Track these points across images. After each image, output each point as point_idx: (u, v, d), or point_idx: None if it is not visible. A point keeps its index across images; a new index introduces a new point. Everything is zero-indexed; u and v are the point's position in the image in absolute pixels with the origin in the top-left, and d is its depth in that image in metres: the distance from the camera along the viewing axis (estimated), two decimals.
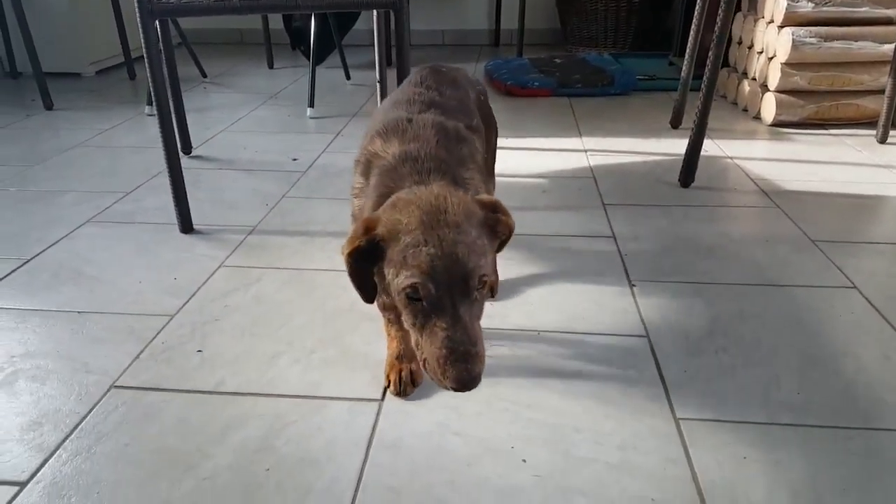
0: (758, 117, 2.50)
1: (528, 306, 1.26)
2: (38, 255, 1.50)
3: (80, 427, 0.97)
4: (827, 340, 1.16)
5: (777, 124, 2.41)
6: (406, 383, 1.03)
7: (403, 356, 1.05)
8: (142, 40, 1.46)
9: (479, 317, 0.78)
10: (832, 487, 0.85)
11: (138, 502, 0.84)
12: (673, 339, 1.17)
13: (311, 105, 2.64)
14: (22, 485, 0.87)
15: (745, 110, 2.61)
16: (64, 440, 0.95)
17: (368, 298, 0.86)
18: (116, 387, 1.06)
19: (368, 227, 0.79)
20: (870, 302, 1.28)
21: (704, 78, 1.75)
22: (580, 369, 1.08)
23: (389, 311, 1.00)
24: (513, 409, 1.00)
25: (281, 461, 0.91)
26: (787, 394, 1.03)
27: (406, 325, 0.79)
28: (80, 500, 0.85)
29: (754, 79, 2.54)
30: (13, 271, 1.43)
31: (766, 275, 1.39)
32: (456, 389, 0.73)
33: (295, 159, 2.14)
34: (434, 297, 0.74)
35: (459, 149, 0.95)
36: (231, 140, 2.36)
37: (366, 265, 0.81)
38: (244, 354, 1.14)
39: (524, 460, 0.90)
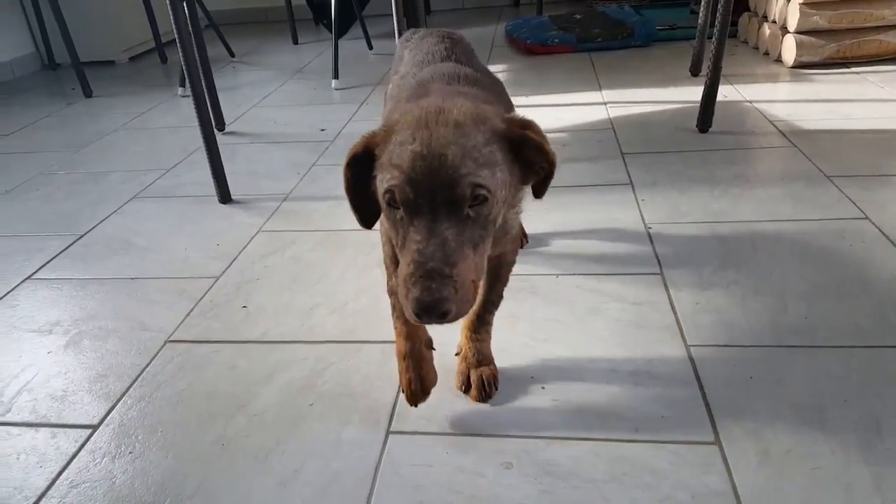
0: (779, 60, 2.48)
1: (546, 250, 1.32)
2: (91, 229, 1.62)
3: (140, 377, 1.08)
4: (836, 268, 1.21)
5: (798, 66, 2.38)
6: (416, 394, 0.90)
7: (410, 355, 0.90)
8: (172, 23, 1.55)
9: (475, 243, 0.65)
10: (833, 400, 0.91)
11: (198, 437, 0.95)
12: (686, 275, 1.22)
13: (336, 77, 2.71)
14: (94, 427, 0.98)
15: (766, 54, 2.58)
16: (128, 388, 1.06)
17: (364, 221, 0.77)
18: (171, 341, 1.16)
19: (370, 139, 0.71)
20: (880, 230, 1.31)
21: (716, 21, 1.75)
22: (595, 306, 1.14)
23: (396, 296, 0.89)
24: (531, 344, 1.07)
25: (322, 397, 1.00)
26: (794, 319, 1.08)
27: (393, 240, 0.69)
28: (146, 438, 0.95)
29: (774, 21, 2.50)
30: (70, 245, 1.55)
31: (779, 211, 1.42)
32: (417, 315, 0.61)
33: (323, 129, 2.22)
34: (412, 204, 0.63)
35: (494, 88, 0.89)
36: (261, 115, 2.44)
37: (366, 182, 0.71)
38: (284, 308, 1.23)
39: (543, 387, 0.97)
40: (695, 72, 2.41)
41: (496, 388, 0.97)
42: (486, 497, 0.81)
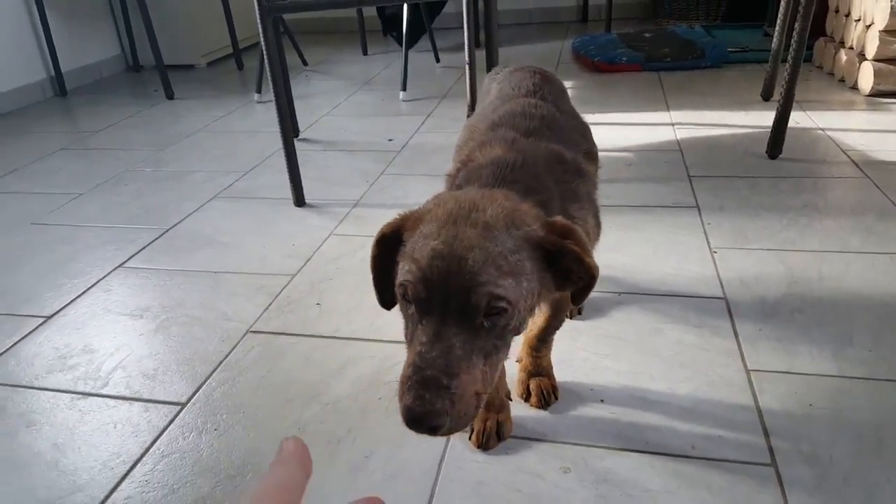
0: (855, 87, 2.43)
1: (609, 271, 1.36)
2: (175, 225, 1.74)
3: (224, 362, 1.17)
4: None
5: (875, 94, 2.34)
6: (490, 436, 0.92)
7: (492, 405, 0.94)
8: (260, 35, 1.65)
9: (487, 352, 0.60)
10: (893, 432, 0.92)
11: (276, 420, 1.02)
12: (750, 301, 1.23)
13: (404, 88, 2.80)
14: (182, 405, 1.08)
15: (842, 80, 2.54)
16: (212, 372, 1.15)
17: (383, 302, 0.74)
18: (252, 331, 1.25)
19: (397, 226, 0.68)
20: None
21: (792, 46, 1.75)
22: (658, 327, 1.17)
23: None
24: (593, 358, 1.11)
25: (389, 391, 1.06)
26: (859, 350, 1.08)
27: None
28: (229, 417, 1.04)
29: (851, 48, 2.46)
30: (157, 238, 1.67)
31: (848, 242, 1.42)
32: (405, 423, 0.57)
33: (391, 140, 2.30)
34: (424, 303, 0.59)
35: (575, 183, 0.80)
36: (332, 123, 2.55)
37: (391, 262, 0.67)
38: (355, 307, 1.30)
39: (602, 400, 1.01)
40: (766, 96, 2.39)
41: (556, 398, 1.01)
42: (544, 497, 0.85)
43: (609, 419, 0.97)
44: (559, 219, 0.66)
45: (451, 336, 0.57)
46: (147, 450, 0.99)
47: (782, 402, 0.98)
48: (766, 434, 0.93)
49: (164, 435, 1.01)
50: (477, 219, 0.61)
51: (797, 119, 2.13)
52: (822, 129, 2.09)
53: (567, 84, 2.87)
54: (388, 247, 0.68)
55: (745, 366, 1.07)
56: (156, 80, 3.20)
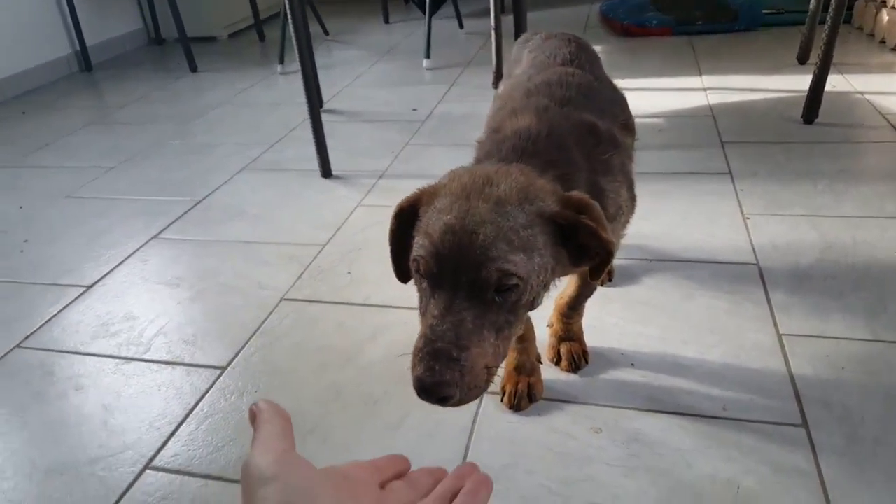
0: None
1: (640, 238, 1.35)
2: (206, 196, 1.76)
3: (260, 329, 1.20)
4: None
5: None
6: (521, 397, 0.95)
7: (522, 368, 0.97)
8: (286, 4, 1.65)
9: (498, 327, 0.60)
10: None
11: (314, 382, 1.06)
12: (783, 266, 1.23)
13: (428, 56, 2.78)
14: (223, 369, 1.11)
15: (883, 42, 2.45)
16: (249, 338, 1.18)
17: (400, 275, 0.75)
18: (286, 299, 1.28)
19: (414, 199, 0.68)
20: None
21: (830, 7, 1.70)
22: (689, 293, 1.17)
23: None
24: (623, 324, 1.12)
25: None
26: (893, 315, 1.08)
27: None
28: (268, 380, 1.08)
29: (894, 7, 2.38)
30: (189, 210, 1.70)
31: (885, 208, 1.39)
32: (416, 392, 0.58)
33: (415, 109, 2.30)
34: (435, 277, 0.60)
35: (607, 156, 0.79)
36: (356, 94, 2.55)
37: (409, 236, 0.68)
38: (385, 276, 1.32)
39: (632, 364, 1.02)
40: (802, 59, 2.33)
41: (586, 362, 1.03)
42: (576, 456, 0.87)
43: (640, 382, 0.99)
44: (576, 193, 0.66)
45: (462, 310, 0.58)
46: (191, 411, 1.03)
47: (814, 366, 0.99)
48: (798, 396, 0.93)
49: (206, 397, 1.05)
50: (489, 193, 0.61)
51: (834, 82, 2.07)
52: (861, 93, 2.03)
53: (597, 48, 2.80)
54: (405, 221, 0.68)
55: (776, 330, 1.07)
56: (178, 54, 3.22)
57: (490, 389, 0.98)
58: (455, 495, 0.41)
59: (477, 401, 0.97)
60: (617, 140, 0.82)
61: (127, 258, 1.49)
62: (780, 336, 1.05)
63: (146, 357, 1.16)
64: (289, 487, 0.34)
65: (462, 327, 0.57)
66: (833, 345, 1.02)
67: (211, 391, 1.07)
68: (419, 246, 0.61)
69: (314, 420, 0.98)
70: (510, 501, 0.82)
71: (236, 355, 1.14)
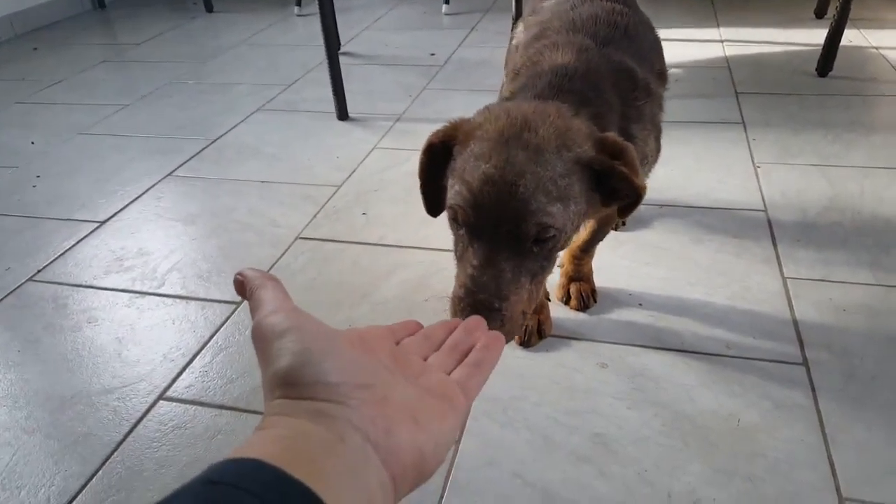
0: None
1: (652, 182, 1.36)
2: (221, 136, 1.78)
3: (275, 266, 1.23)
4: None
5: None
6: (531, 333, 0.97)
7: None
8: None
9: (534, 273, 0.62)
10: None
11: (328, 317, 1.09)
12: (790, 213, 1.25)
13: (447, 2, 2.74)
14: (238, 304, 1.14)
15: None
16: None
17: (431, 209, 0.75)
18: (301, 238, 1.30)
19: (454, 127, 0.67)
20: None
21: None
22: (699, 237, 1.20)
23: None
24: (633, 266, 1.14)
25: (435, 294, 1.12)
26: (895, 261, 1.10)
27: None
28: None
29: None
30: (204, 149, 1.71)
31: (893, 159, 1.40)
32: None
33: (433, 54, 2.28)
34: (474, 227, 0.60)
35: (641, 103, 0.79)
36: (373, 37, 2.53)
37: (440, 172, 0.68)
38: (400, 217, 1.35)
39: (640, 304, 1.05)
40: (820, 13, 2.30)
41: (594, 301, 1.06)
42: (582, 389, 0.91)
43: (646, 322, 1.02)
44: (611, 136, 0.65)
45: (502, 261, 0.59)
46: (205, 344, 1.05)
47: (817, 308, 1.02)
48: (799, 336, 0.97)
49: (220, 331, 1.08)
50: (528, 140, 0.60)
51: (850, 37, 2.05)
52: (876, 48, 2.02)
53: None
54: (436, 156, 0.68)
55: (781, 274, 1.09)
56: None
57: None
58: (469, 350, 0.41)
59: None
60: (651, 89, 0.81)
61: (141, 195, 1.51)
62: (784, 280, 1.08)
63: (160, 291, 1.19)
64: (307, 334, 0.34)
65: (502, 278, 0.58)
66: (836, 289, 1.05)
67: (225, 325, 1.09)
68: (456, 193, 0.61)
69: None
70: (518, 431, 0.86)
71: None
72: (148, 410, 0.94)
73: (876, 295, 1.04)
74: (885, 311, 1.00)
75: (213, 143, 1.74)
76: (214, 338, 1.06)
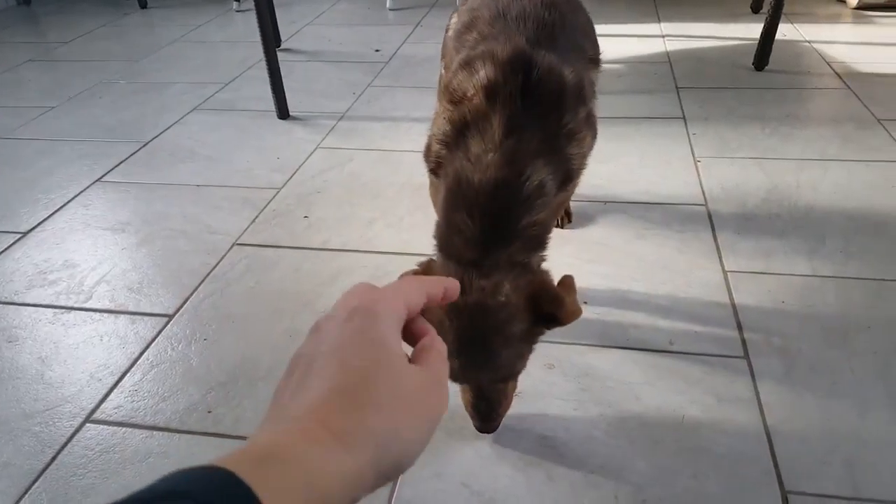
0: (842, 1, 2.40)
1: (596, 179, 1.37)
2: (155, 138, 1.70)
3: (211, 275, 1.18)
4: (876, 208, 1.24)
5: (861, 7, 2.32)
6: None
7: None
8: None
9: (507, 383, 0.80)
10: (858, 326, 0.97)
11: (268, 328, 1.05)
12: (730, 206, 1.27)
13: None
14: (170, 316, 1.09)
15: None
16: (199, 284, 1.16)
17: None
18: (238, 244, 1.26)
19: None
20: None
21: None
22: (641, 232, 1.20)
23: None
24: (577, 263, 1.14)
25: None
26: (831, 251, 1.13)
27: None
28: (219, 327, 1.06)
29: None
30: (136, 152, 1.64)
31: (826, 150, 1.44)
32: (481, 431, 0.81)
33: (378, 50, 2.24)
34: (463, 381, 0.79)
35: (575, 114, 0.76)
36: (316, 33, 2.47)
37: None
38: (344, 219, 1.31)
39: (585, 302, 1.05)
40: (756, 8, 2.36)
41: None
42: (529, 392, 0.90)
43: (592, 319, 1.01)
44: (546, 292, 0.74)
45: (487, 393, 0.77)
46: (135, 361, 1.00)
47: (756, 300, 1.03)
48: (740, 329, 0.98)
49: (152, 346, 1.03)
50: (483, 339, 0.71)
51: (785, 31, 2.10)
52: (809, 42, 2.08)
53: None
54: None
55: (722, 267, 1.11)
56: None
57: None
58: None
59: None
60: (584, 95, 0.79)
61: (67, 203, 1.43)
62: (725, 273, 1.09)
63: (87, 306, 1.12)
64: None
65: (493, 401, 0.78)
66: (775, 280, 1.07)
67: (157, 340, 1.04)
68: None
69: (267, 366, 0.98)
70: (466, 439, 0.84)
71: (185, 302, 1.12)
72: (73, 435, 0.88)
73: (812, 285, 1.06)
74: (821, 302, 1.02)
75: (145, 145, 1.66)
76: (145, 354, 1.01)
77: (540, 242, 0.77)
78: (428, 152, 0.83)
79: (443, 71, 1.06)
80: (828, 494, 0.75)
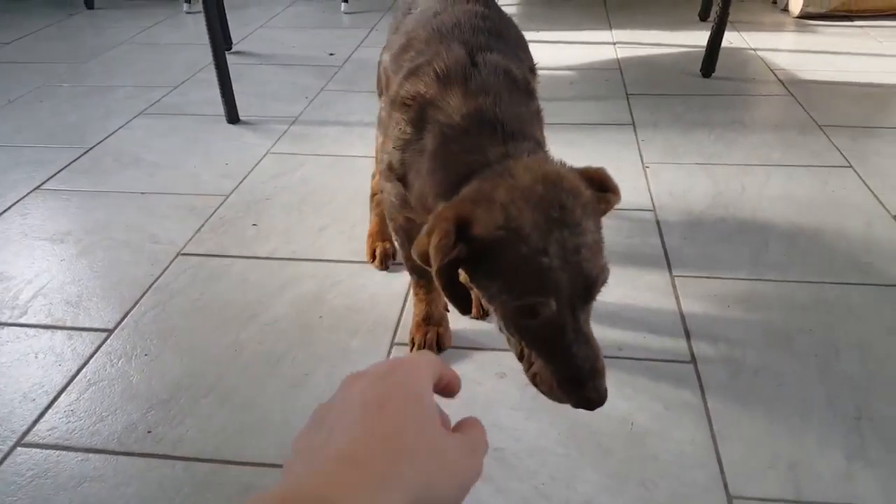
0: (786, 10, 2.49)
1: None
2: (99, 143, 1.64)
3: (154, 286, 1.14)
4: (817, 211, 1.28)
5: (804, 16, 2.40)
6: (430, 346, 0.97)
7: (431, 319, 0.97)
8: None
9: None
10: (800, 328, 1.00)
11: (212, 342, 1.01)
12: (677, 212, 1.29)
13: (346, 0, 2.68)
14: (110, 331, 1.04)
15: (775, 2, 2.59)
16: (141, 296, 1.11)
17: (466, 309, 0.72)
18: (183, 254, 1.22)
19: (460, 225, 0.63)
20: (862, 179, 1.38)
21: None
22: None
23: (419, 274, 0.94)
24: None
25: (332, 310, 1.07)
26: (775, 255, 1.16)
27: (508, 334, 0.68)
28: (161, 341, 1.02)
29: None
30: (79, 157, 1.58)
31: (771, 156, 1.48)
32: (587, 409, 0.64)
33: (332, 54, 2.22)
34: (555, 313, 0.62)
35: (531, 104, 0.79)
36: (269, 36, 2.43)
37: (456, 271, 0.67)
38: (294, 227, 1.28)
39: None
40: (703, 16, 2.41)
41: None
42: (482, 401, 0.89)
43: None
44: (593, 170, 0.69)
45: (584, 327, 0.64)
46: (72, 379, 0.95)
47: (703, 305, 1.05)
48: (687, 335, 0.99)
49: (90, 363, 0.98)
50: (565, 218, 0.62)
51: (731, 39, 2.16)
52: (754, 50, 2.14)
53: (512, 0, 2.81)
54: (452, 267, 0.66)
55: (670, 272, 1.12)
56: None
57: (398, 340, 1.00)
58: None
59: (385, 354, 0.98)
60: (532, 88, 0.82)
61: (4, 212, 1.36)
62: (672, 278, 1.11)
63: (21, 321, 1.06)
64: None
65: (592, 341, 0.65)
66: (720, 285, 1.09)
67: (95, 356, 1.00)
68: (530, 293, 0.61)
69: (210, 382, 0.94)
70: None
71: (125, 316, 1.08)
72: (2, 460, 0.83)
73: (756, 289, 1.08)
74: (765, 305, 1.04)
75: (88, 151, 1.61)
76: (83, 371, 0.97)
77: (540, 144, 0.76)
78: (390, 168, 0.82)
79: (381, 104, 1.04)
80: (771, 498, 0.76)
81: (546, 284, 0.61)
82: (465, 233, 0.63)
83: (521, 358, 0.68)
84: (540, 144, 0.75)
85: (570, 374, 0.63)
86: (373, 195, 1.17)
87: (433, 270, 0.65)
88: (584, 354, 0.63)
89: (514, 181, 0.64)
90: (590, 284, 0.63)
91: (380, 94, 1.08)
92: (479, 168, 0.69)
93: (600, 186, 0.68)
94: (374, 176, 1.16)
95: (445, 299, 0.99)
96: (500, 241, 0.62)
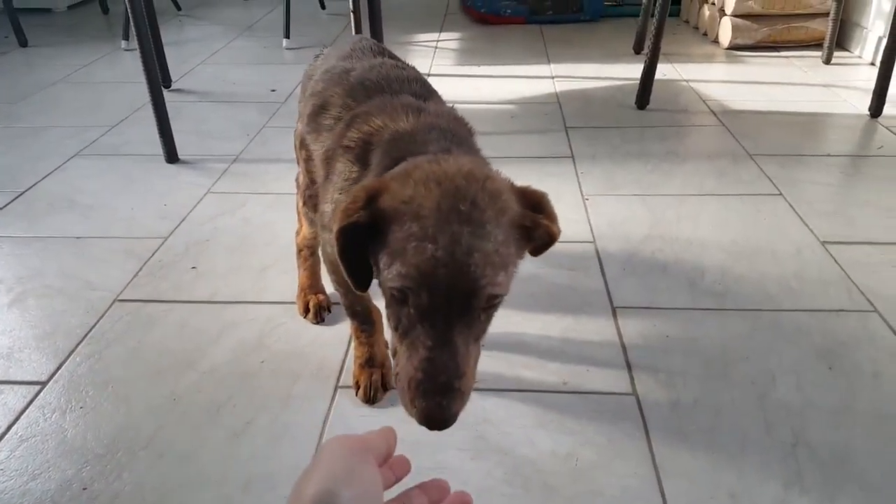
0: (716, 41, 2.60)
1: None
2: (32, 186, 1.59)
3: (89, 335, 1.10)
4: (750, 239, 1.32)
5: (733, 48, 2.51)
6: (376, 388, 0.95)
7: (374, 360, 0.97)
8: None
9: (477, 336, 0.62)
10: (738, 357, 1.02)
11: (149, 392, 0.98)
12: (616, 243, 1.32)
13: (287, 36, 2.68)
14: (43, 384, 1.00)
15: (705, 34, 2.70)
16: (76, 346, 1.07)
17: (360, 285, 0.69)
18: (120, 300, 1.18)
19: (371, 197, 0.62)
20: (792, 206, 1.44)
21: (658, 1, 1.82)
22: (535, 272, 1.22)
23: (361, 319, 0.95)
24: None
25: (273, 355, 1.05)
26: (710, 284, 1.19)
27: (388, 323, 0.65)
28: (97, 393, 0.98)
29: (713, 3, 2.62)
30: (10, 202, 1.52)
31: (705, 185, 1.54)
32: (424, 425, 0.60)
33: (273, 90, 2.20)
34: (425, 308, 0.59)
35: (472, 140, 0.81)
36: (209, 72, 2.41)
37: (360, 244, 0.65)
38: (235, 269, 1.26)
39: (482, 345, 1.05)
40: (638, 49, 2.49)
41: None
42: (427, 444, 0.88)
43: (487, 363, 1.01)
44: (529, 189, 0.67)
45: (455, 336, 0.59)
46: (2, 436, 0.91)
47: (643, 335, 1.06)
48: (629, 365, 1.00)
49: (22, 418, 0.94)
50: (470, 215, 0.59)
51: (664, 71, 2.24)
52: (686, 81, 2.22)
53: (454, 35, 2.87)
54: (354, 233, 0.64)
55: (611, 303, 1.14)
56: (5, 26, 2.85)
57: (342, 384, 0.99)
58: None
59: (329, 399, 0.96)
60: (474, 137, 0.84)
61: None
62: (613, 309, 1.13)
63: None
64: None
65: (458, 356, 0.59)
66: (659, 314, 1.11)
67: (28, 411, 0.95)
68: (403, 276, 0.58)
69: (148, 434, 0.91)
70: None
71: (60, 367, 1.03)
72: None
73: (693, 318, 1.11)
74: (702, 335, 1.07)
75: (20, 195, 1.55)
76: (14, 427, 0.92)
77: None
78: (334, 216, 0.76)
79: (300, 168, 1.03)
80: None
81: (422, 272, 0.57)
82: (376, 205, 0.62)
83: (394, 354, 0.64)
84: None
85: (420, 380, 0.58)
86: (299, 251, 1.15)
87: (334, 232, 0.64)
88: (442, 365, 0.58)
89: (439, 167, 0.63)
90: (470, 292, 0.58)
91: (298, 162, 1.06)
92: (417, 154, 0.69)
93: (534, 207, 0.66)
94: (298, 233, 1.15)
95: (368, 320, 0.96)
96: (398, 215, 0.60)
